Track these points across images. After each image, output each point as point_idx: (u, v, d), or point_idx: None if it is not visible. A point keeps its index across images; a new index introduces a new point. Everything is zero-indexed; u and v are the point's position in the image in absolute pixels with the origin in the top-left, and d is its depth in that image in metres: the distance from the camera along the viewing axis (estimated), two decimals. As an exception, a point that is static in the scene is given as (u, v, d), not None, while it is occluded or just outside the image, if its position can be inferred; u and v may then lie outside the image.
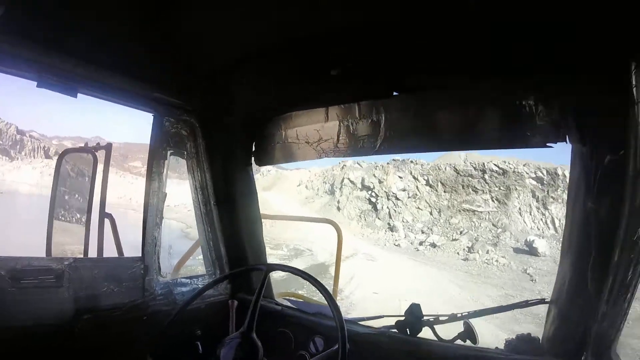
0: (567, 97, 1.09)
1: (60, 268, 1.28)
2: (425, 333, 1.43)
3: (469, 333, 1.37)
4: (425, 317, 1.44)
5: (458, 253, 17.55)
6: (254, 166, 1.88)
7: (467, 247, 17.77)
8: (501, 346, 1.33)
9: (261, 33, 1.36)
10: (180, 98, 1.63)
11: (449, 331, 1.42)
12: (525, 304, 1.41)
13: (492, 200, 20.70)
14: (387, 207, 23.19)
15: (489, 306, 1.64)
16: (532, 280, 13.84)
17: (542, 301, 1.37)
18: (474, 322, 1.39)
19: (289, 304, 1.85)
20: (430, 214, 22.15)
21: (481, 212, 20.69)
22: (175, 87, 1.58)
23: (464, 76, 1.27)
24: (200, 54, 1.53)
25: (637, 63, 0.90)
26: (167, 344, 1.23)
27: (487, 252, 16.75)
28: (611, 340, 1.05)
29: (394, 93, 1.42)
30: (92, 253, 2.33)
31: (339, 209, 25.08)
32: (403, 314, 1.46)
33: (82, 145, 2.69)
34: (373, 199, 23.92)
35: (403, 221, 22.16)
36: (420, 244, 19.33)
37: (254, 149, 1.84)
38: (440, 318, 1.44)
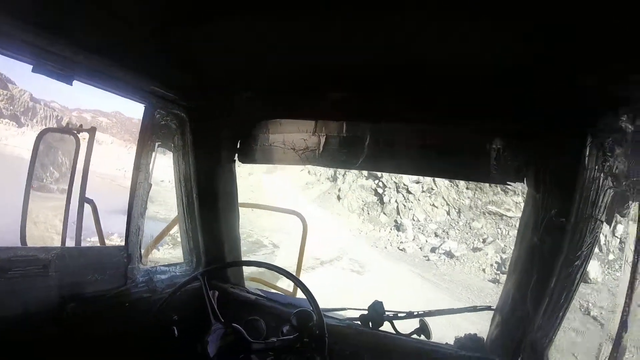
0: (531, 149, 1.36)
1: (47, 258, 1.32)
2: (386, 327, 1.66)
3: (423, 329, 1.62)
4: (386, 313, 1.68)
5: (484, 270, 13.43)
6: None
7: (497, 262, 13.67)
8: (452, 342, 1.59)
9: (261, 50, 1.41)
10: (173, 92, 1.71)
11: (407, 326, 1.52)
12: (474, 309, 1.73)
13: (523, 204, 16.73)
14: (396, 201, 19.53)
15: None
16: (600, 324, 8.62)
17: (488, 308, 1.66)
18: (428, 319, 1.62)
19: (261, 293, 1.99)
20: (448, 213, 18.35)
21: (510, 217, 16.79)
22: (169, 82, 1.64)
23: (442, 117, 1.50)
24: (198, 54, 1.54)
25: (592, 138, 1.19)
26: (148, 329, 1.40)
27: (528, 274, 12.66)
28: (544, 347, 1.33)
29: (380, 119, 1.62)
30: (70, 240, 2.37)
31: (339, 198, 21.63)
32: (367, 308, 1.70)
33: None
34: (380, 190, 20.24)
35: (413, 219, 18.44)
36: (433, 250, 15.49)
37: (238, 147, 1.96)
38: (399, 315, 1.68)
